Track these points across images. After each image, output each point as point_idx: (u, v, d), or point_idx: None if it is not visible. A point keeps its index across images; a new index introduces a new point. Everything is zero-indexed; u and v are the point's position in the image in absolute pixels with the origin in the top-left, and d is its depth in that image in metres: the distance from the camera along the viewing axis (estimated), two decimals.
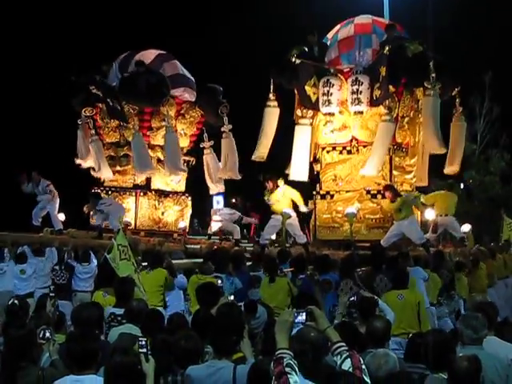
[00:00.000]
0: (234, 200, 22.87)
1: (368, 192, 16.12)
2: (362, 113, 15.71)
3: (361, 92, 15.50)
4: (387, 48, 15.32)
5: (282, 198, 15.71)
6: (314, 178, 16.84)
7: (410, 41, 15.74)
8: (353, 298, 7.10)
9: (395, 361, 5.19)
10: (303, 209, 16.14)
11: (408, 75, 15.55)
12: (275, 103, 16.59)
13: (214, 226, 17.95)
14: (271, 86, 16.46)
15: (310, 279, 9.81)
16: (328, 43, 16.82)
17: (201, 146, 18.13)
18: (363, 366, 3.81)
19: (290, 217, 15.67)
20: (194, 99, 17.76)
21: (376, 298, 7.21)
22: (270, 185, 15.73)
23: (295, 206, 15.91)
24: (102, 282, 9.79)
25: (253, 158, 16.63)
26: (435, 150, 16.04)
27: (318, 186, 16.73)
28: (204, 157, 18.11)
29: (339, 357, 3.87)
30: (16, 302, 7.01)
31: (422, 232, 15.49)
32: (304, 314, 3.97)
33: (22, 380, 4.92)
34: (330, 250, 16.21)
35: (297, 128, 16.31)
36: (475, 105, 28.23)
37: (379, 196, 16.01)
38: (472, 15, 24.59)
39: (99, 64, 17.89)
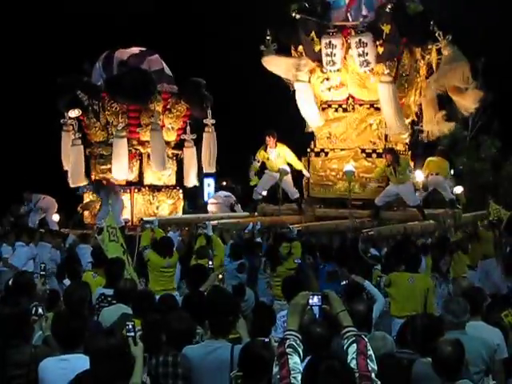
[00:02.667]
0: (224, 183, 23.08)
1: (363, 151, 16.10)
2: (372, 70, 15.51)
3: (367, 53, 15.26)
4: (389, 6, 15.18)
5: (277, 158, 15.81)
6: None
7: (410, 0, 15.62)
8: (343, 283, 7.13)
9: (392, 343, 5.24)
10: (306, 173, 16.38)
11: (409, 34, 15.44)
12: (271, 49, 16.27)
13: (210, 208, 18.31)
14: (268, 38, 16.17)
15: (303, 263, 9.81)
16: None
17: (182, 137, 18.24)
18: (369, 352, 3.75)
19: (287, 173, 15.75)
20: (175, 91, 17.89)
21: (366, 282, 7.20)
22: (270, 139, 15.74)
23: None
24: (93, 263, 9.57)
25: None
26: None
27: (312, 143, 16.65)
28: (184, 149, 18.27)
29: (346, 341, 3.83)
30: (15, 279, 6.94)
31: (417, 195, 15.59)
32: (319, 296, 3.91)
33: (14, 358, 4.88)
34: (322, 207, 16.36)
35: (296, 85, 16.08)
36: None
37: (374, 155, 16.05)
38: (465, 1, 24.26)
39: (81, 63, 17.79)
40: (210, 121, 17.73)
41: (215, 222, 13.86)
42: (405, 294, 8.40)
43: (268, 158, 15.93)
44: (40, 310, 5.55)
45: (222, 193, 18.88)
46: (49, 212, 17.36)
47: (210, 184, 24.16)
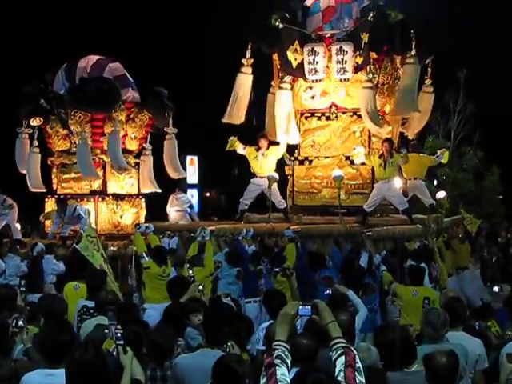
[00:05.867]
0: (208, 194, 22.82)
1: (347, 158, 16.11)
2: (347, 80, 15.70)
3: (345, 62, 15.45)
4: (371, 14, 15.32)
5: (263, 158, 15.70)
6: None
7: (391, 8, 15.71)
8: (327, 292, 7.14)
9: (377, 354, 5.21)
10: (288, 161, 16.42)
11: (390, 42, 15.52)
12: (249, 70, 16.34)
13: (172, 214, 18.17)
14: (248, 52, 16.17)
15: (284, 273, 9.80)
16: (309, 7, 16.49)
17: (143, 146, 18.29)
18: (358, 365, 3.71)
19: (276, 181, 15.70)
20: (139, 100, 17.93)
21: (349, 292, 7.20)
22: (262, 142, 15.72)
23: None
24: (72, 273, 9.20)
25: (223, 120, 16.34)
26: (407, 114, 16.46)
27: (296, 151, 16.67)
28: (141, 157, 18.30)
29: (335, 352, 3.81)
30: None
31: (403, 197, 15.59)
32: (309, 307, 3.90)
33: None
34: (306, 215, 16.34)
35: (278, 92, 16.13)
36: (449, 102, 28.34)
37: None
38: (448, 12, 24.43)
39: (43, 72, 17.65)
40: (170, 129, 17.83)
41: (213, 227, 13.84)
42: (409, 306, 8.52)
43: (255, 157, 15.84)
44: (20, 323, 5.51)
45: (176, 196, 18.46)
46: (11, 216, 17.00)
47: (193, 195, 24.00)
